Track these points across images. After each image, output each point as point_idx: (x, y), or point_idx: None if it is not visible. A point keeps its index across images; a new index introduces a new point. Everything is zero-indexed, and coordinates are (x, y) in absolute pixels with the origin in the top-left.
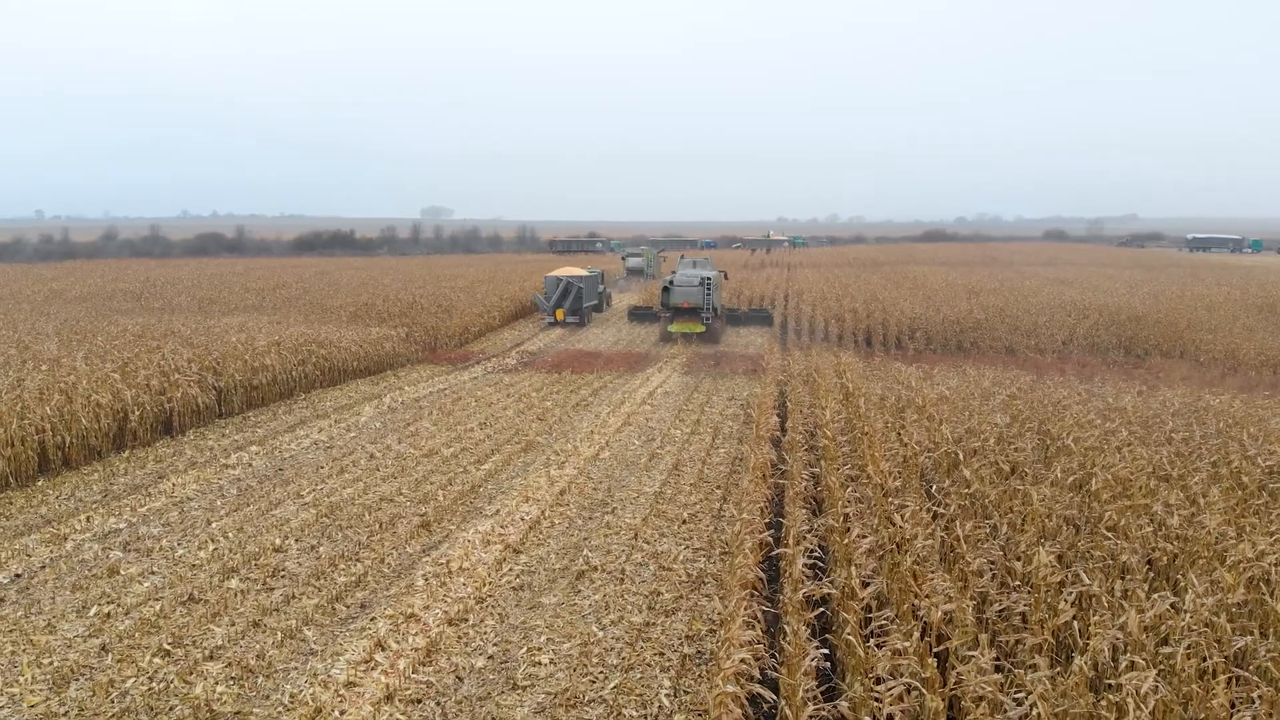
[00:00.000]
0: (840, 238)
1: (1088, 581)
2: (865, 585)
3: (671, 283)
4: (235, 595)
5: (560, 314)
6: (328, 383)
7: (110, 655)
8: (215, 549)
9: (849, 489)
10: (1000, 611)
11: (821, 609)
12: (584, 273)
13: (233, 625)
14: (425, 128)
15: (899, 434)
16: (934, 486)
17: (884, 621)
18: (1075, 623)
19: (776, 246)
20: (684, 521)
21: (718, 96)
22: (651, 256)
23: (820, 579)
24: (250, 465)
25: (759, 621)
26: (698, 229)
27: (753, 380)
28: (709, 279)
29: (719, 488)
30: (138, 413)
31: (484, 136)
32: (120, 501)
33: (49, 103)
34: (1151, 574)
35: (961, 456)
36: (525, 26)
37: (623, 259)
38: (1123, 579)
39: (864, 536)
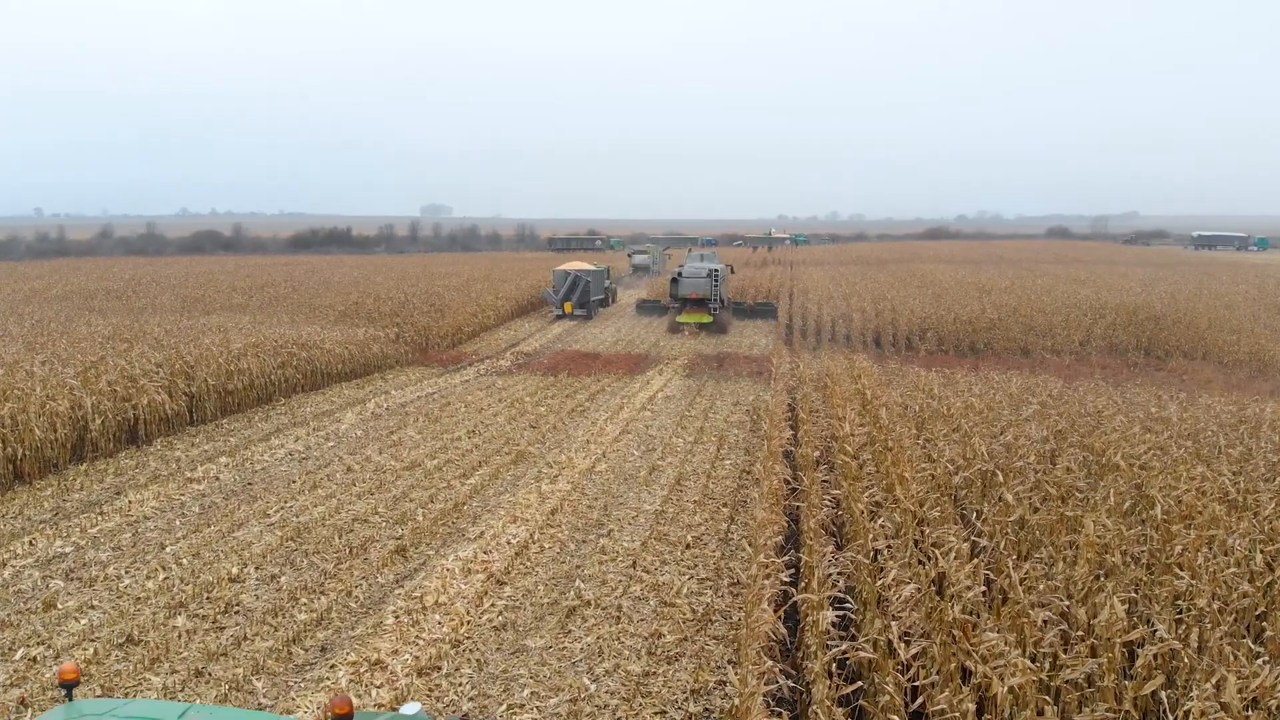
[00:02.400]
0: (842, 235)
1: (1166, 635)
2: (905, 641)
3: (680, 274)
4: (180, 636)
5: (568, 306)
6: (310, 386)
7: (30, 711)
8: (165, 578)
9: (878, 519)
10: (1069, 680)
11: (855, 678)
12: (591, 267)
13: (173, 673)
14: (426, 126)
15: (924, 447)
16: (973, 513)
17: (929, 687)
18: (1163, 692)
19: (778, 244)
20: (687, 546)
21: (718, 95)
22: (657, 254)
23: (847, 628)
24: (217, 479)
25: (782, 690)
26: (698, 226)
27: (758, 383)
28: (716, 271)
29: (725, 505)
30: (99, 421)
31: (484, 134)
32: (71, 521)
33: (49, 101)
34: (1234, 621)
35: (1001, 477)
36: (526, 25)
37: (629, 256)
38: (1200, 628)
39: (902, 582)
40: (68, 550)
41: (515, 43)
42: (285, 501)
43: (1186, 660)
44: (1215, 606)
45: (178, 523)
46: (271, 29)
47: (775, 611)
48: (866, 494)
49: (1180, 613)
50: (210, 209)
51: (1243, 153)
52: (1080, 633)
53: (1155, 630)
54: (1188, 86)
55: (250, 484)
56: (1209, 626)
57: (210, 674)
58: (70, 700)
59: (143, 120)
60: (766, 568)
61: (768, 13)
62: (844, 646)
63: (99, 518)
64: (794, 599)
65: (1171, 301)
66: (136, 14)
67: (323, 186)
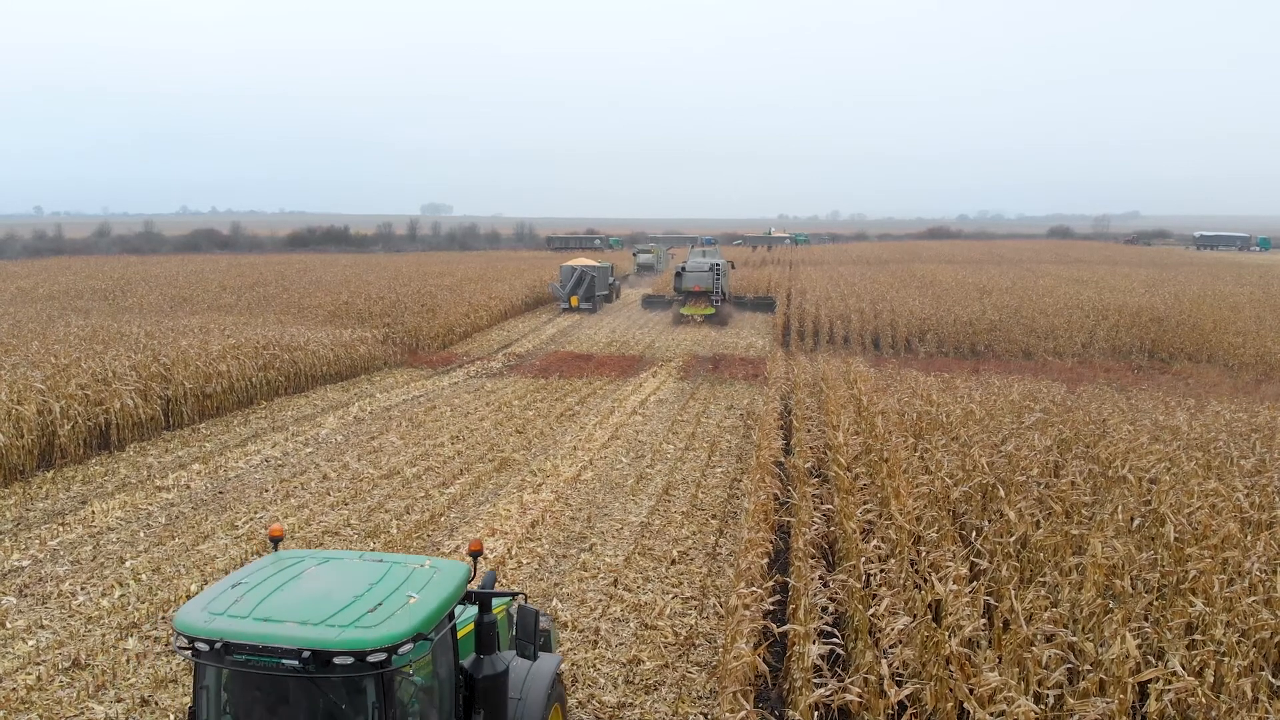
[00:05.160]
0: (842, 235)
1: (1180, 670)
2: (897, 681)
3: (684, 269)
4: (129, 660)
5: (575, 300)
6: (293, 389)
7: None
8: (121, 595)
9: (871, 540)
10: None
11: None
12: (597, 264)
13: (119, 701)
14: (428, 125)
15: (921, 458)
16: (972, 531)
17: None
18: None
19: (778, 244)
20: (673, 562)
21: (718, 94)
22: (661, 253)
23: (837, 660)
24: (187, 487)
25: None
26: (698, 225)
27: (753, 386)
28: (719, 266)
29: (715, 517)
30: (68, 426)
31: (485, 133)
32: (32, 532)
33: (50, 98)
34: (1253, 654)
35: (1002, 491)
36: (530, 24)
37: (634, 255)
38: (1219, 662)
39: (896, 612)
40: (25, 564)
41: (519, 41)
42: (255, 512)
43: (1203, 699)
44: (1232, 637)
45: (141, 534)
46: (275, 27)
47: (758, 647)
48: (860, 510)
49: (1195, 644)
50: (210, 207)
51: (1245, 153)
52: (1088, 667)
53: (1168, 663)
54: (1190, 86)
55: (221, 493)
56: (1226, 659)
57: (157, 702)
58: (276, 550)
59: (145, 118)
60: (747, 598)
61: (767, 11)
62: (830, 687)
63: (61, 529)
64: (781, 630)
65: (1175, 303)
66: (139, 12)
67: (323, 185)
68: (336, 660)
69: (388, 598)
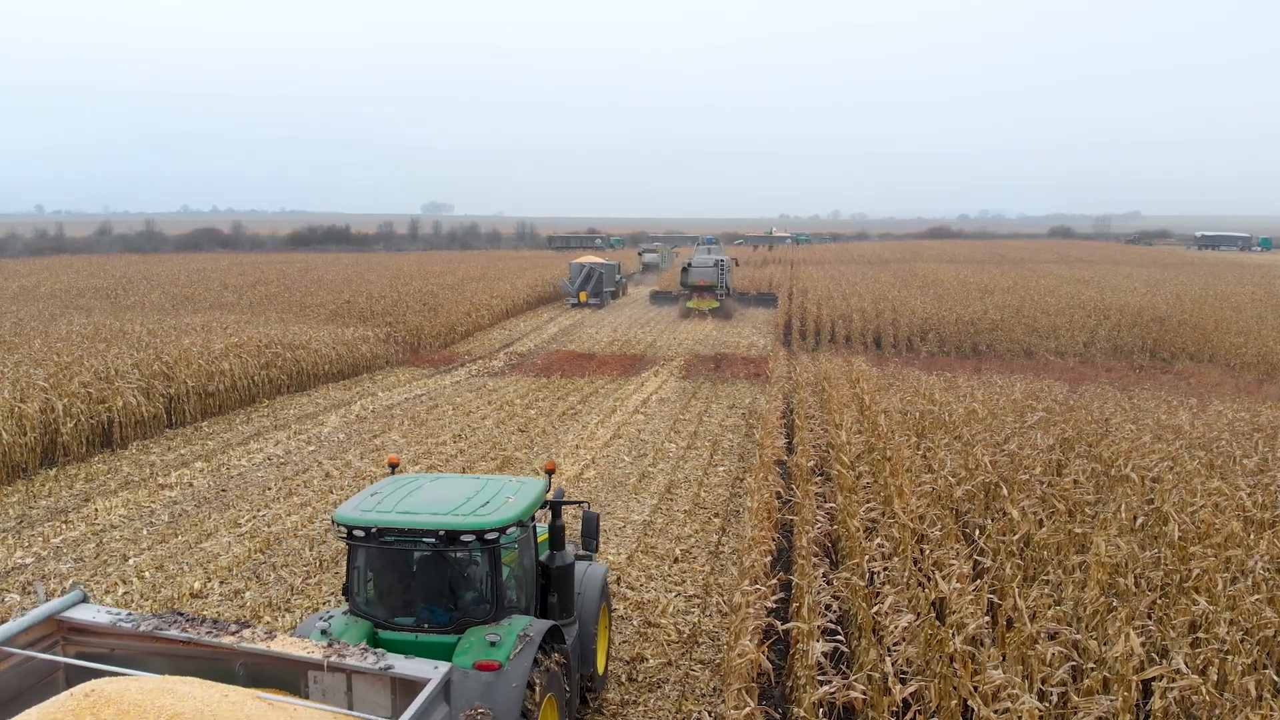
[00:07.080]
0: (843, 234)
1: (1184, 669)
2: (901, 679)
3: (690, 264)
4: None
5: (583, 296)
6: (295, 388)
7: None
8: (125, 592)
9: (874, 539)
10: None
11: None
12: (605, 261)
13: None
14: (429, 125)
15: (924, 457)
16: (975, 530)
17: None
18: None
19: (779, 243)
20: (675, 560)
21: (718, 93)
22: (665, 253)
23: (840, 658)
24: (190, 485)
25: None
26: (699, 225)
27: (755, 385)
28: (722, 262)
29: (717, 515)
30: (71, 424)
31: (487, 133)
32: (34, 530)
33: (51, 98)
34: (1256, 652)
35: (1005, 489)
36: (530, 23)
37: (639, 255)
38: (1222, 660)
39: (898, 611)
40: (28, 561)
41: (520, 41)
42: (258, 510)
43: (1207, 697)
44: (1236, 635)
45: (145, 532)
46: (275, 27)
47: (762, 644)
48: (863, 508)
49: (1198, 642)
50: (211, 206)
51: (1246, 153)
52: (1092, 665)
53: (1171, 661)
54: (1191, 86)
55: (224, 491)
56: (1229, 658)
57: None
58: (393, 474)
59: (146, 118)
60: (750, 596)
61: (767, 11)
62: (834, 685)
63: (64, 526)
64: (784, 628)
65: (1177, 303)
66: (139, 12)
67: (325, 184)
68: (463, 538)
69: (492, 499)
